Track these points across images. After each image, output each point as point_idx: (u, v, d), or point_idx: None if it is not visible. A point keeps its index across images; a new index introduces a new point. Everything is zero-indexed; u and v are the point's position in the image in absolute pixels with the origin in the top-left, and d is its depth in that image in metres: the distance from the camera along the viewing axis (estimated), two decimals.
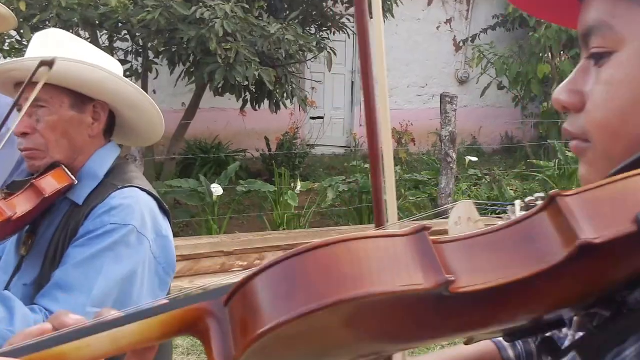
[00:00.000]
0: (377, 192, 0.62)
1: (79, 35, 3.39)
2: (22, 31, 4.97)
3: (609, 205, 0.42)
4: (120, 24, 5.25)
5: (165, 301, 0.47)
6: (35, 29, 4.63)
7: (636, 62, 0.53)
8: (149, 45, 5.43)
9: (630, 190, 0.43)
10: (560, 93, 0.60)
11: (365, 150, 8.93)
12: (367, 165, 6.49)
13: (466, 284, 0.41)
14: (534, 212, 0.44)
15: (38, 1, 4.99)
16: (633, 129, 0.53)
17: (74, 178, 1.40)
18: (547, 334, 0.54)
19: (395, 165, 3.76)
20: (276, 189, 5.82)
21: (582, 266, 0.42)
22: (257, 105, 6.10)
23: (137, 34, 5.31)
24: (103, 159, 1.47)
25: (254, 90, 5.82)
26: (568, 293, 0.46)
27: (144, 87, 5.86)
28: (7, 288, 1.41)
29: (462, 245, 0.43)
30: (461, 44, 9.66)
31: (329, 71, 6.85)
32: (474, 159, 7.21)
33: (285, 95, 5.92)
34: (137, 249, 1.35)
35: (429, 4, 9.52)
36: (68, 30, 2.76)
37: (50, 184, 1.36)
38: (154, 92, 7.12)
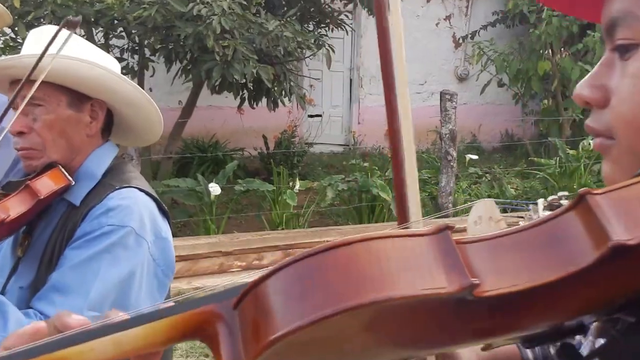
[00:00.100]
0: (399, 187, 0.60)
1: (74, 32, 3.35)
2: (16, 28, 4.94)
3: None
4: (116, 21, 5.23)
5: (171, 304, 0.44)
6: (30, 26, 4.60)
7: None
8: (145, 42, 5.40)
9: None
10: (582, 88, 0.57)
11: (364, 148, 8.98)
12: (366, 164, 6.48)
13: (491, 287, 0.39)
14: (561, 212, 0.41)
15: None
16: None
17: (70, 179, 1.37)
18: (567, 340, 0.51)
19: None
20: (274, 188, 5.80)
21: (612, 269, 0.40)
22: (254, 103, 6.08)
23: (133, 31, 5.29)
24: (100, 159, 1.45)
25: (251, 87, 5.80)
26: (595, 297, 0.44)
27: (140, 85, 5.77)
28: (3, 290, 1.39)
29: (486, 246, 0.41)
30: (461, 41, 9.64)
31: (328, 68, 6.82)
32: (474, 157, 7.19)
33: (283, 93, 5.90)
34: (135, 250, 1.32)
35: (428, 0, 9.49)
36: None
37: (46, 185, 1.33)
38: (150, 90, 7.08)
